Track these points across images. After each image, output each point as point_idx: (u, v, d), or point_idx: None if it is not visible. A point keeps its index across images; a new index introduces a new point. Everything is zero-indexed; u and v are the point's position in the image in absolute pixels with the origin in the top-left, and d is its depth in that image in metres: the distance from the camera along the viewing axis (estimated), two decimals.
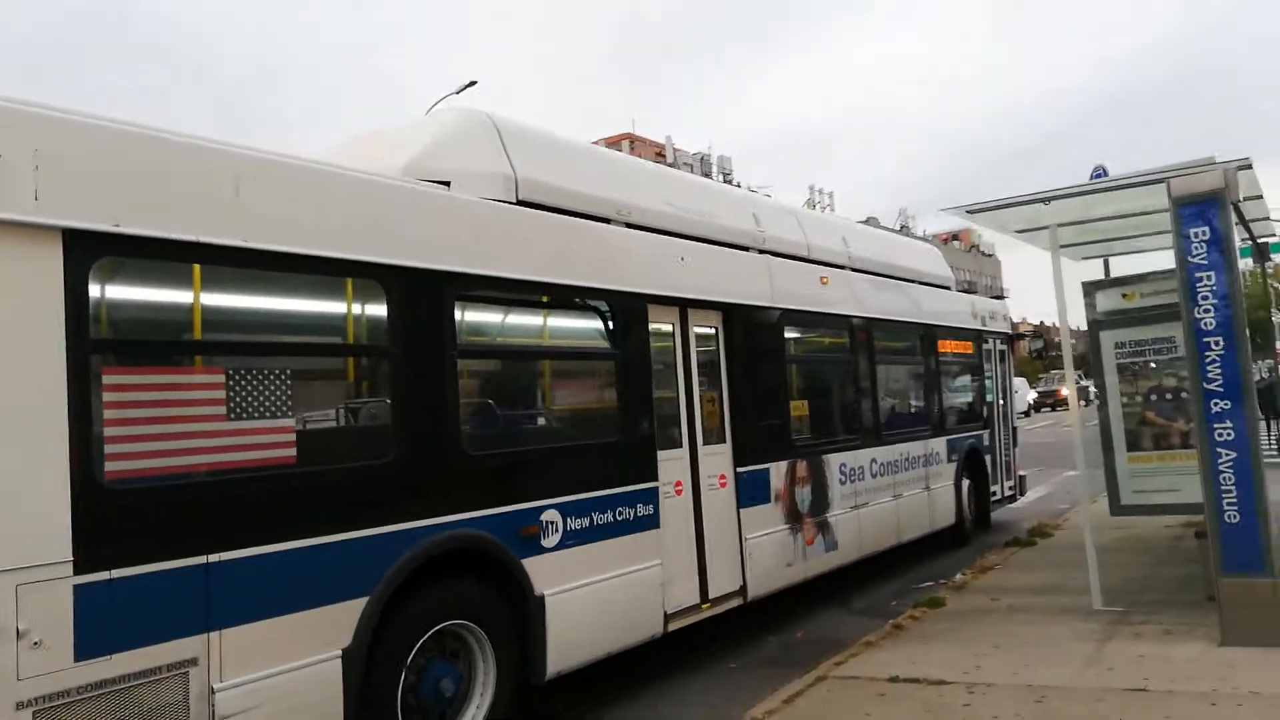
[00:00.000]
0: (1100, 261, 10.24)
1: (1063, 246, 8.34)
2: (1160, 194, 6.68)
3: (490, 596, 5.35)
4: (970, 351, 12.45)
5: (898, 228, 60.66)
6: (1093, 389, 9.68)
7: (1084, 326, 9.06)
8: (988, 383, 12.83)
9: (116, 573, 3.75)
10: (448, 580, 5.13)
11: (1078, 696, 5.38)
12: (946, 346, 11.69)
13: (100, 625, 3.68)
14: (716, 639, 7.38)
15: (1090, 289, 8.88)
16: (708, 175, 49.46)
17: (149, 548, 3.88)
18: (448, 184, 5.69)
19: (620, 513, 6.23)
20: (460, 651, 5.27)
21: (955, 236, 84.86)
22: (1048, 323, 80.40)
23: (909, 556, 10.36)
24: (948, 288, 12.44)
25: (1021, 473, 13.82)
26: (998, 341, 13.29)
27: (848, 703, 5.62)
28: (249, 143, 4.61)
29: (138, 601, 3.81)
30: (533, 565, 5.55)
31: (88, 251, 3.81)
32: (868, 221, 30.63)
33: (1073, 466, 18.09)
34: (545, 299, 6.19)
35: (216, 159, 4.36)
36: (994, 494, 12.65)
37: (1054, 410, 48.06)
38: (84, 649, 3.63)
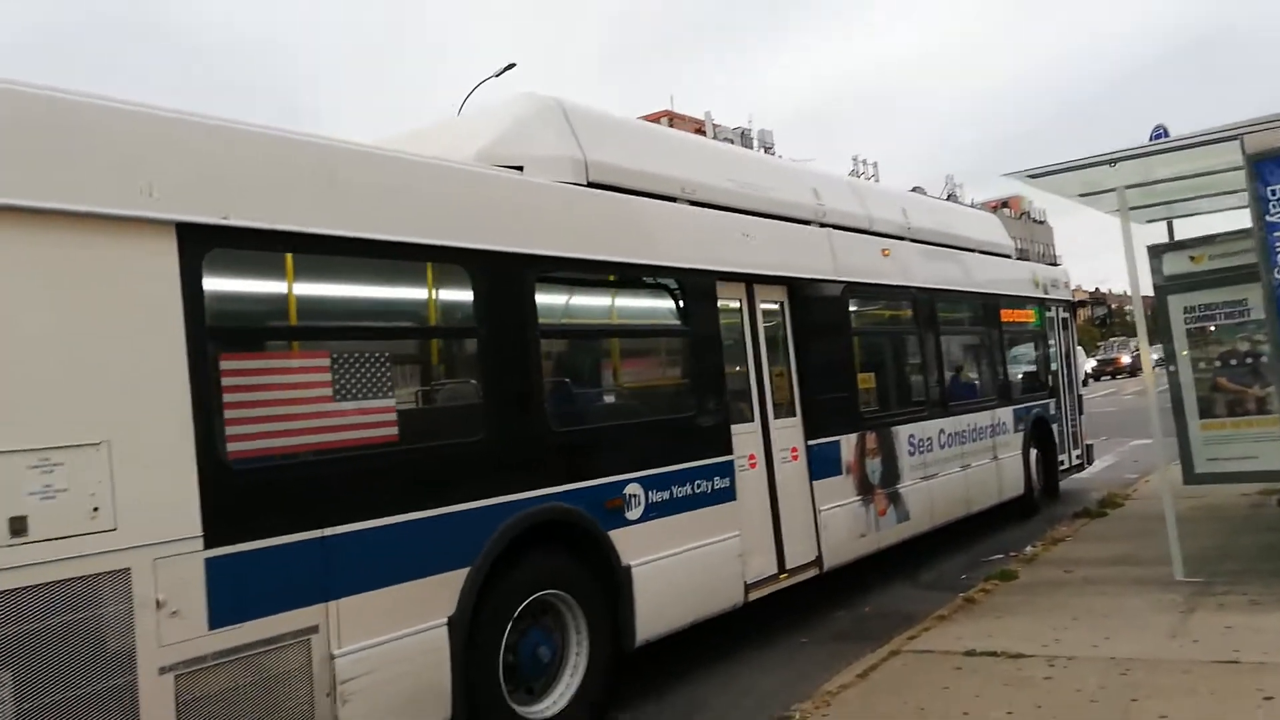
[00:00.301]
0: (1163, 225, 10.16)
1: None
2: (1228, 152, 6.63)
3: (580, 567, 5.59)
4: (1033, 320, 12.46)
5: (945, 196, 60.05)
6: (1155, 355, 9.63)
7: (1149, 291, 9.00)
8: (1052, 351, 12.84)
9: (242, 546, 4.03)
10: (541, 552, 5.37)
11: (1164, 669, 5.31)
12: (1009, 315, 11.71)
13: (230, 595, 3.96)
14: (786, 614, 7.48)
15: (1156, 252, 8.75)
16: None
17: (270, 523, 4.15)
18: (520, 169, 5.90)
19: (698, 486, 6.43)
20: (555, 621, 5.52)
21: (1005, 203, 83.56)
22: (1103, 289, 79.28)
23: (976, 529, 10.37)
24: (1008, 256, 12.45)
25: (1088, 441, 13.83)
26: (1060, 309, 13.28)
27: (924, 676, 5.63)
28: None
29: (262, 573, 4.09)
30: (618, 537, 5.77)
31: (199, 244, 4.07)
32: (914, 190, 30.35)
33: (1137, 435, 18.11)
34: (618, 279, 6.40)
35: (313, 152, 4.62)
36: (1061, 463, 12.66)
37: (1113, 378, 47.45)
38: (217, 618, 3.92)
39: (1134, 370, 47.70)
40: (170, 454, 3.86)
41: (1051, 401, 12.51)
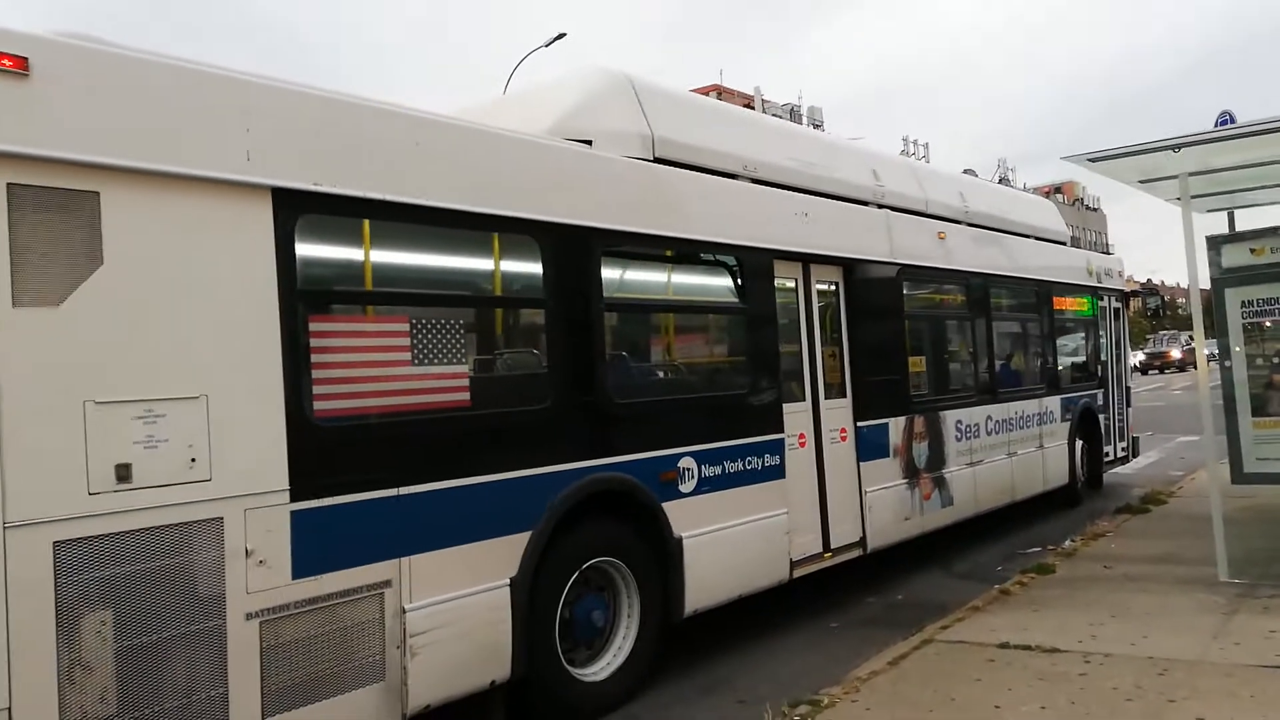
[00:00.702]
0: (1223, 215, 10.00)
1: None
2: None
3: (634, 537, 5.78)
4: (1085, 309, 12.47)
5: (996, 179, 59.56)
6: (1208, 350, 9.55)
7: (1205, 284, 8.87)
8: (1102, 341, 12.86)
9: (325, 501, 4.25)
10: (597, 520, 5.57)
11: (1204, 670, 5.27)
12: (1062, 303, 11.75)
13: (312, 548, 4.19)
14: (816, 598, 7.55)
15: (1215, 244, 8.54)
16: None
17: (350, 480, 4.38)
18: (590, 143, 6.05)
19: (749, 462, 6.59)
20: (608, 588, 5.74)
21: (1058, 189, 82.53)
22: (1155, 279, 78.19)
23: (1012, 521, 10.38)
24: (1063, 243, 12.45)
25: (1134, 434, 13.84)
26: (1112, 299, 13.29)
27: (955, 667, 5.61)
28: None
29: (342, 527, 4.31)
30: (671, 509, 5.95)
31: (292, 208, 4.26)
32: (966, 173, 30.25)
33: (1184, 432, 18.01)
34: (679, 254, 6.53)
35: (397, 122, 4.80)
36: (1106, 455, 12.70)
37: (1161, 373, 46.94)
38: (299, 568, 4.15)
39: (1183, 365, 47.14)
40: (261, 409, 4.09)
41: (1100, 392, 12.54)
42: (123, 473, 3.65)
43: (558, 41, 26.32)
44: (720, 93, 54.08)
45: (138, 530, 3.68)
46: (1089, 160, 7.92)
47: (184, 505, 3.81)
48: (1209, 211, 9.72)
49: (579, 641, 5.56)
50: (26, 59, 3.51)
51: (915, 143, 66.62)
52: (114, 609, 3.61)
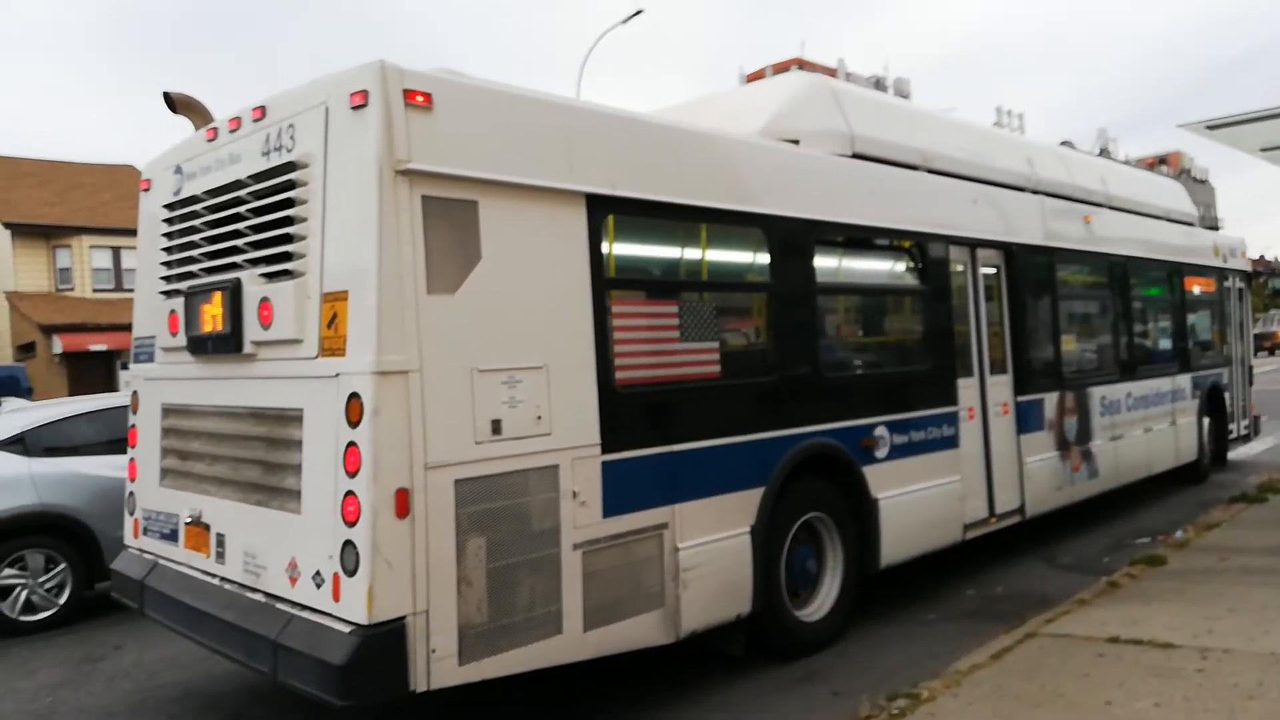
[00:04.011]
0: None
1: None
2: None
3: (839, 496, 6.76)
4: (1212, 288, 13.13)
5: (1097, 150, 59.03)
6: None
7: None
8: (1227, 320, 13.52)
9: (625, 454, 5.29)
10: (812, 480, 6.54)
11: None
12: (1192, 284, 12.45)
13: (615, 493, 5.23)
14: (912, 591, 7.83)
15: None
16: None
17: (641, 437, 5.41)
18: (797, 142, 7.00)
19: (930, 432, 7.53)
20: (814, 541, 6.70)
21: (1163, 160, 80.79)
22: (1268, 256, 76.51)
23: (1116, 509, 10.74)
24: (1192, 224, 13.12)
25: (1255, 413, 14.47)
26: (1236, 279, 13.91)
27: (1062, 662, 5.59)
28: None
29: (635, 477, 5.35)
30: (869, 472, 6.92)
31: (599, 210, 5.29)
32: (1063, 144, 30.43)
33: None
34: (873, 242, 7.46)
35: (664, 134, 5.81)
36: (1230, 432, 13.38)
37: (1271, 354, 46.52)
38: (608, 509, 5.19)
39: None
40: (582, 377, 5.12)
41: (1225, 371, 13.22)
42: (496, 427, 4.70)
43: (635, 18, 27.00)
44: (801, 65, 54.22)
45: (504, 474, 4.73)
46: (1207, 128, 8.13)
47: (534, 454, 4.86)
48: None
49: (795, 587, 6.54)
50: (431, 94, 4.54)
51: (1010, 113, 65.63)
52: (486, 537, 4.66)
